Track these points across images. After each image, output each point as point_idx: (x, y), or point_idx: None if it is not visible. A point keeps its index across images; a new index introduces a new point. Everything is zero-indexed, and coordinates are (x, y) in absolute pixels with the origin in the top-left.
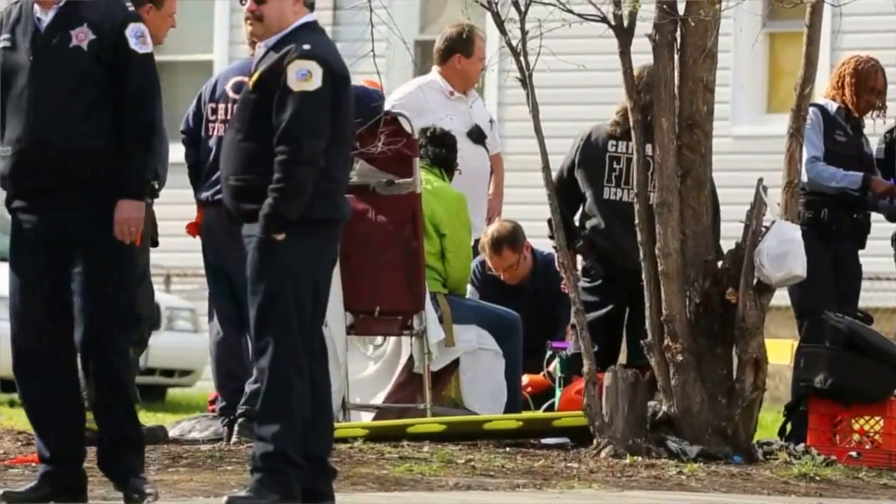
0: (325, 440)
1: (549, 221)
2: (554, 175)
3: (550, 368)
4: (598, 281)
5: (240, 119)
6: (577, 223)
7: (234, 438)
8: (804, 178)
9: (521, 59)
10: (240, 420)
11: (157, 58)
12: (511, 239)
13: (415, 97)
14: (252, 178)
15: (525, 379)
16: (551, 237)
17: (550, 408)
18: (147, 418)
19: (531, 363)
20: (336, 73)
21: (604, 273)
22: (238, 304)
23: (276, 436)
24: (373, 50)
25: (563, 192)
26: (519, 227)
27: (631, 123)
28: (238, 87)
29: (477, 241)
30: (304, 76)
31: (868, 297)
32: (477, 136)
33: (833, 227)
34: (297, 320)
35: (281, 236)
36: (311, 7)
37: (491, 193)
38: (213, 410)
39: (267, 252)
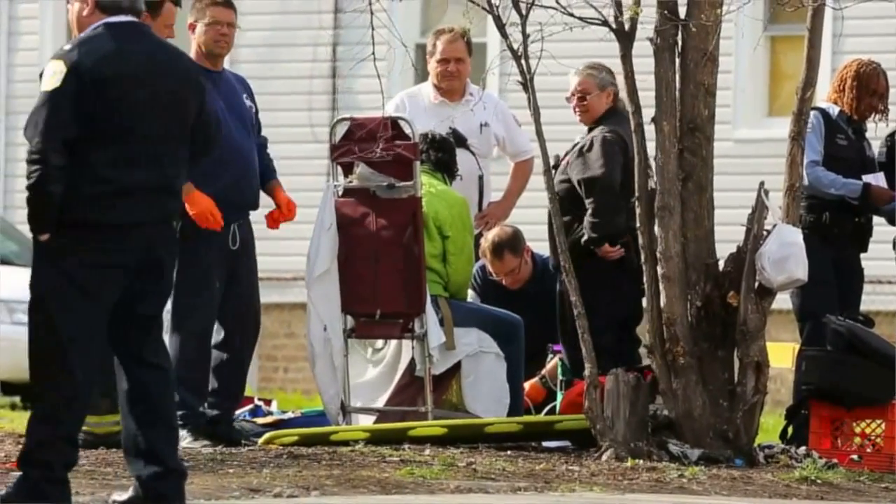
0: (164, 445)
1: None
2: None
3: (549, 367)
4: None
5: None
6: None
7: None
8: (804, 182)
9: (523, 62)
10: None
11: None
12: (512, 243)
13: (395, 109)
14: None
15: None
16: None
17: (552, 411)
18: None
19: (532, 367)
20: (85, 73)
21: (637, 265)
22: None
23: (29, 434)
24: (373, 53)
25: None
26: (519, 231)
27: (632, 127)
28: None
29: (476, 246)
30: (50, 76)
31: (869, 301)
32: (455, 140)
33: (834, 230)
34: (62, 323)
35: (44, 237)
36: (115, 10)
37: (501, 197)
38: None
39: (36, 253)
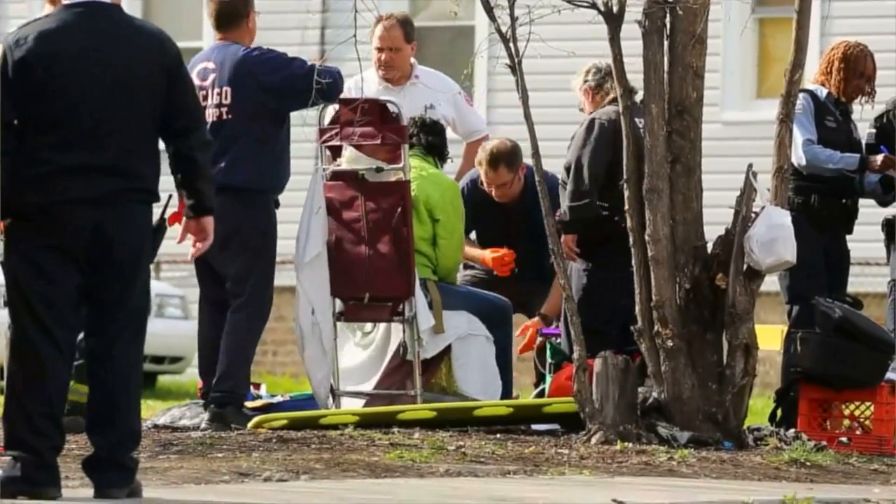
0: (108, 436)
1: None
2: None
3: (548, 305)
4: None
5: None
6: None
7: (203, 426)
8: (801, 161)
9: (511, 45)
10: (210, 406)
11: None
12: (509, 157)
13: (350, 90)
14: None
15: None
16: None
17: (541, 394)
18: None
19: (522, 291)
20: (16, 56)
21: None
22: (222, 289)
23: (5, 418)
24: (355, 35)
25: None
26: (518, 147)
27: (620, 109)
28: (203, 74)
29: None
30: None
31: (858, 283)
32: None
33: (823, 212)
34: (26, 305)
35: (5, 221)
36: None
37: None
38: (202, 397)
39: (4, 238)
